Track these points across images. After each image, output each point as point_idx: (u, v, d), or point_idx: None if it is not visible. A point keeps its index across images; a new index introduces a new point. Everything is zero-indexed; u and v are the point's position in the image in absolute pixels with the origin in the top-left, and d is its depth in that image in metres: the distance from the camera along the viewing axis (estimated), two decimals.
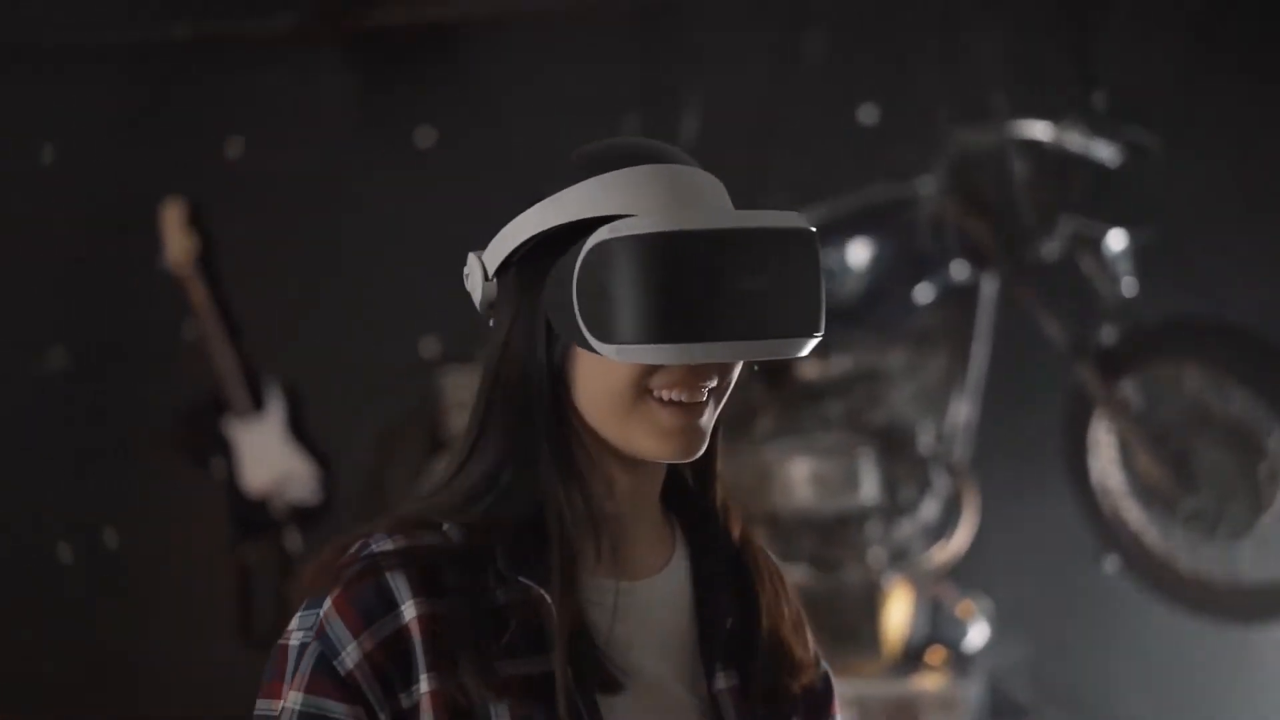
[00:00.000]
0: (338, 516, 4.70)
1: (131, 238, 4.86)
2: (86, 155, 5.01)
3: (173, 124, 4.97)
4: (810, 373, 4.02)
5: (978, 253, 3.90)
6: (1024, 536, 4.20)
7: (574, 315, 1.39)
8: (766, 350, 1.39)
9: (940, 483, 4.02)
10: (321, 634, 1.39)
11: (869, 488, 3.94)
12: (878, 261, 3.93)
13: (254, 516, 4.72)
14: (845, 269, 3.90)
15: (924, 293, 3.95)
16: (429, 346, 4.72)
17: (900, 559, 4.00)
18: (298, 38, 4.88)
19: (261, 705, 1.42)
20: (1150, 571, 3.88)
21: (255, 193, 4.87)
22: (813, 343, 1.41)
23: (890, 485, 3.97)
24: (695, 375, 1.40)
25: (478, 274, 1.47)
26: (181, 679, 4.80)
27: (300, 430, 4.74)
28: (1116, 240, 3.84)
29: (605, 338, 1.38)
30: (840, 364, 4.02)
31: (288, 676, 1.40)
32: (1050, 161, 3.88)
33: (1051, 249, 3.87)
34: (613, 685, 1.40)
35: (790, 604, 1.57)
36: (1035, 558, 4.22)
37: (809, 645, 1.57)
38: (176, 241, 4.68)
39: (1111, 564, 4.04)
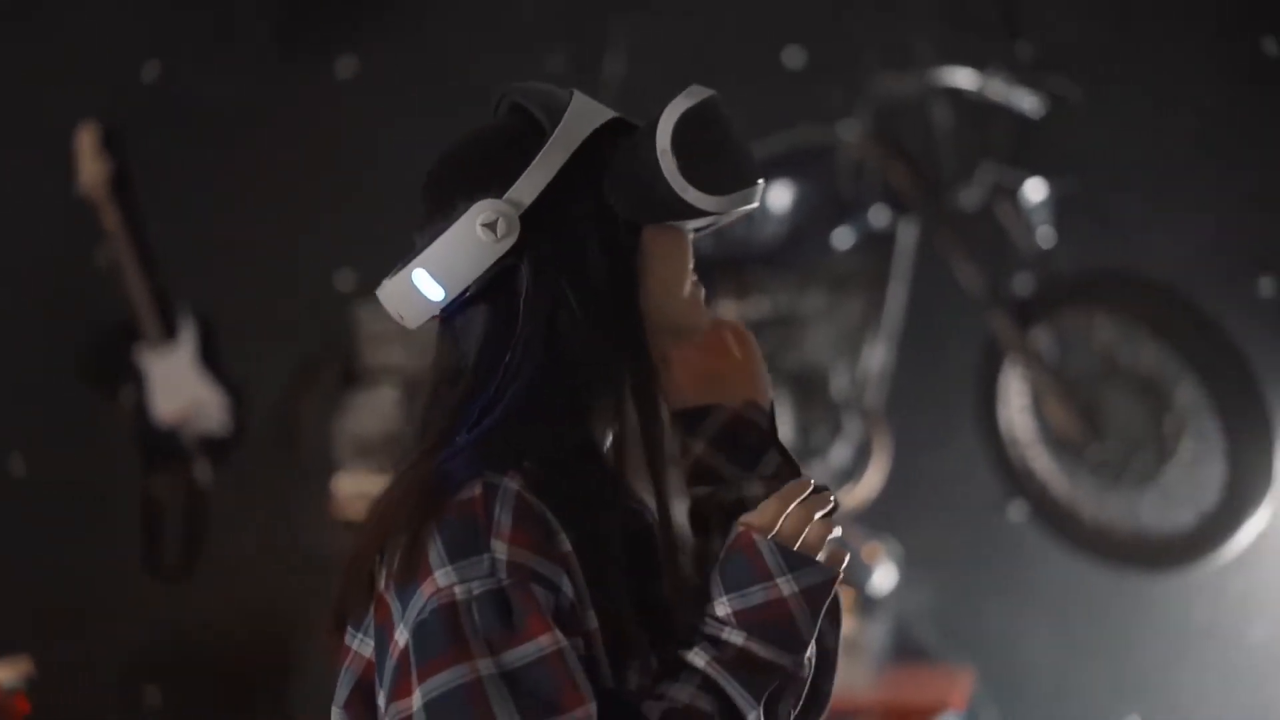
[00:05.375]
0: (248, 448, 4.66)
1: (44, 162, 4.78)
2: (0, 77, 4.92)
3: (88, 47, 4.88)
4: (727, 315, 4.02)
5: (897, 199, 3.91)
6: (933, 482, 4.23)
7: (669, 189, 1.38)
8: None
9: (852, 427, 4.04)
10: (532, 575, 1.29)
11: (782, 430, 3.96)
12: (798, 204, 3.93)
13: (163, 446, 4.67)
14: (765, 212, 3.90)
15: (843, 237, 3.96)
16: (344, 279, 4.68)
17: None
18: None
19: (442, 680, 1.27)
20: (1055, 519, 3.93)
21: (172, 119, 4.80)
22: None
23: (803, 428, 3.99)
24: None
25: (515, 221, 1.38)
26: (88, 609, 4.76)
27: (212, 360, 4.68)
28: (1035, 190, 3.87)
29: (716, 190, 1.40)
30: (758, 306, 4.03)
31: (477, 633, 1.27)
32: (972, 110, 3.89)
33: (971, 197, 3.89)
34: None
35: None
36: (944, 503, 4.26)
37: None
38: (90, 166, 4.61)
39: (1018, 510, 4.08)
